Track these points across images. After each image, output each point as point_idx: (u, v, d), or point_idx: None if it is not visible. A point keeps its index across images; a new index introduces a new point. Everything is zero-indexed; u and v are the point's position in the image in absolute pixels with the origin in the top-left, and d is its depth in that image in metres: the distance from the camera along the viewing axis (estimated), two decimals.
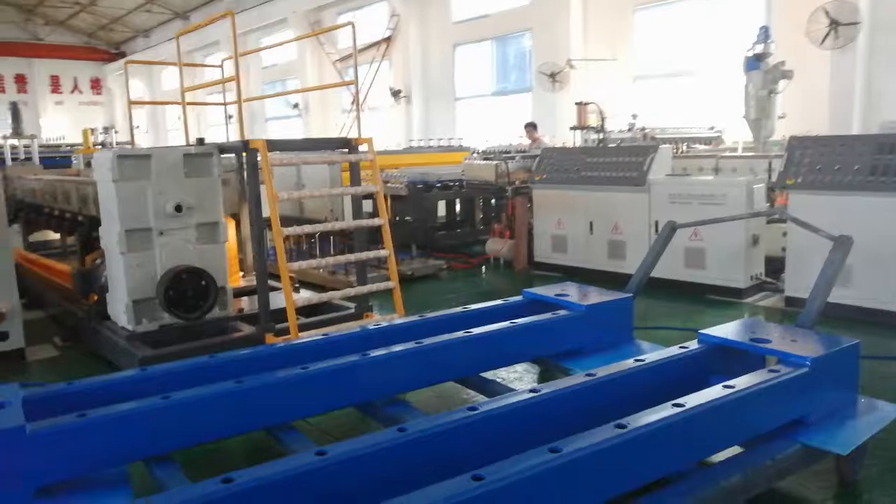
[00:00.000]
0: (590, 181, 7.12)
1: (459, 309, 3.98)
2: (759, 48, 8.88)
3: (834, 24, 11.55)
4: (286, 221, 10.98)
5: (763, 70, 8.66)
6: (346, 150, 5.22)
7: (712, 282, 6.38)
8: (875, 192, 5.13)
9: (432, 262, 7.82)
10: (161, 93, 34.01)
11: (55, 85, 36.39)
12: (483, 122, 18.81)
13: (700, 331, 3.18)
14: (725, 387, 2.57)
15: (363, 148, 5.16)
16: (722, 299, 6.29)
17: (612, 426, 2.24)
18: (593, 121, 12.12)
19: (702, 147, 10.82)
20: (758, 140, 8.87)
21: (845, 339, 2.98)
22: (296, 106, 24.70)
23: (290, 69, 25.32)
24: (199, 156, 4.75)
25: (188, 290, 4.60)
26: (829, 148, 5.48)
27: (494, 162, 8.06)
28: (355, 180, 5.19)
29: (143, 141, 35.32)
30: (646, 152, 6.83)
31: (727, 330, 3.16)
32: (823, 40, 11.74)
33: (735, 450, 2.79)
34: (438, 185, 8.97)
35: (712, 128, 12.45)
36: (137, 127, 34.22)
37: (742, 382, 2.61)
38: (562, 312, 3.78)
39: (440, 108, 20.06)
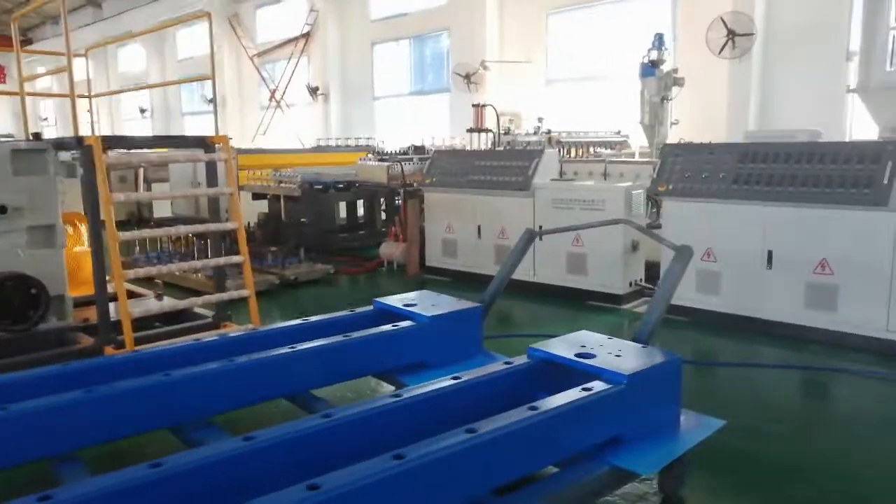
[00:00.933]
0: (477, 185, 7.01)
1: (300, 321, 3.76)
2: (654, 55, 9.00)
3: (731, 34, 11.88)
4: (182, 221, 10.50)
5: (657, 77, 8.77)
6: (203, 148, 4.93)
7: (593, 288, 6.37)
8: (738, 199, 5.20)
9: (320, 266, 7.56)
10: (74, 82, 32.37)
11: None
12: (402, 121, 18.61)
13: (531, 346, 3.07)
14: (531, 408, 2.45)
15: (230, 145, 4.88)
16: (602, 305, 6.28)
17: (389, 456, 2.07)
18: (505, 123, 12.13)
19: (607, 151, 10.93)
20: (652, 145, 8.99)
21: (668, 353, 2.91)
22: (211, 100, 23.85)
23: (207, 63, 24.47)
24: (30, 152, 4.37)
25: (15, 299, 4.22)
26: (698, 156, 5.52)
27: (387, 163, 7.87)
28: (211, 181, 4.89)
29: (50, 133, 33.61)
30: (531, 156, 6.78)
31: (555, 344, 3.06)
32: (721, 50, 12.07)
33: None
34: (339, 185, 8.69)
35: (619, 132, 12.62)
36: (45, 119, 32.45)
37: (550, 403, 2.49)
38: (404, 324, 3.62)
39: (359, 106, 19.75)
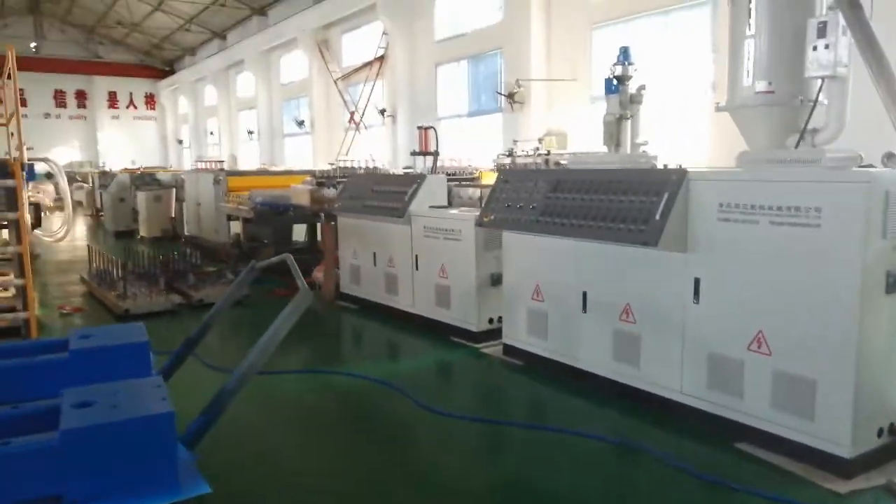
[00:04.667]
0: (370, 211, 6.81)
1: None
2: (618, 70, 8.26)
3: None
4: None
5: (619, 94, 8.04)
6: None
7: (454, 322, 5.95)
8: (544, 233, 4.63)
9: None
10: (203, 107, 35.59)
11: (112, 100, 38.70)
12: (461, 141, 18.53)
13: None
14: None
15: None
16: (461, 342, 5.84)
17: None
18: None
19: None
20: None
21: (164, 407, 2.65)
22: (301, 123, 25.12)
23: (303, 87, 25.83)
24: None
25: None
26: (521, 184, 4.99)
27: (309, 187, 7.86)
28: (10, 205, 5.12)
29: (187, 155, 37.01)
30: (411, 182, 6.47)
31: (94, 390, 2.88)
32: None
33: None
34: (288, 208, 8.80)
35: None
36: (180, 142, 35.69)
37: None
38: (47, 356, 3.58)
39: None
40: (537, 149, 10.96)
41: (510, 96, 15.40)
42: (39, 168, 14.10)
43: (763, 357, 3.57)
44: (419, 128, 9.08)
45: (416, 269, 6.33)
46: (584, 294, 4.60)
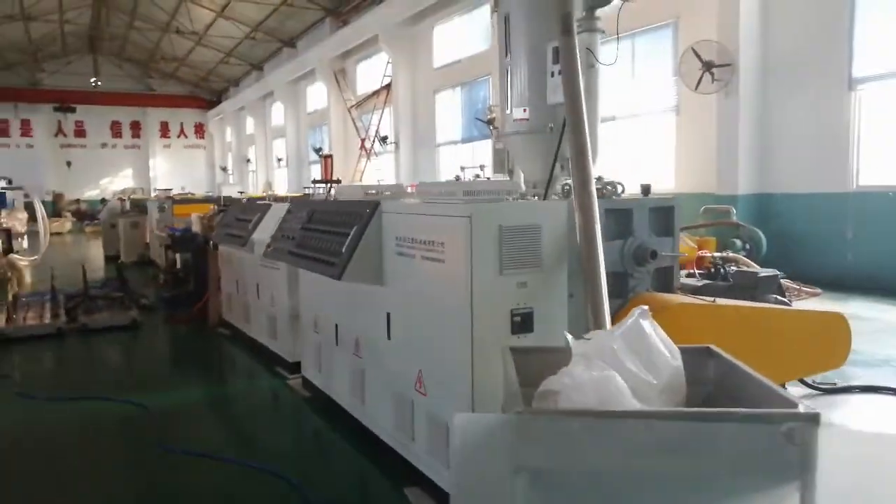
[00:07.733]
0: (228, 240, 6.88)
1: None
2: None
3: (707, 65, 10.29)
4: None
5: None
6: None
7: (279, 352, 5.92)
8: (287, 263, 4.62)
9: (131, 313, 7.86)
10: (245, 136, 36.89)
11: (164, 130, 40.74)
12: (457, 167, 18.52)
13: None
14: None
15: None
16: (281, 372, 5.80)
17: None
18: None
19: None
20: None
21: None
22: (318, 150, 25.69)
23: (323, 115, 26.46)
24: None
25: None
26: (296, 214, 4.93)
27: (200, 215, 8.02)
28: None
29: (231, 181, 38.35)
30: (255, 211, 6.51)
31: None
32: (698, 84, 10.48)
33: None
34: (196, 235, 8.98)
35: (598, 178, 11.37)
36: (224, 168, 37.01)
37: None
38: None
39: (423, 153, 20.03)
40: (477, 175, 10.82)
41: (489, 122, 15.31)
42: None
43: (423, 398, 3.40)
44: (320, 156, 9.16)
45: (258, 297, 6.36)
46: (336, 326, 4.52)
